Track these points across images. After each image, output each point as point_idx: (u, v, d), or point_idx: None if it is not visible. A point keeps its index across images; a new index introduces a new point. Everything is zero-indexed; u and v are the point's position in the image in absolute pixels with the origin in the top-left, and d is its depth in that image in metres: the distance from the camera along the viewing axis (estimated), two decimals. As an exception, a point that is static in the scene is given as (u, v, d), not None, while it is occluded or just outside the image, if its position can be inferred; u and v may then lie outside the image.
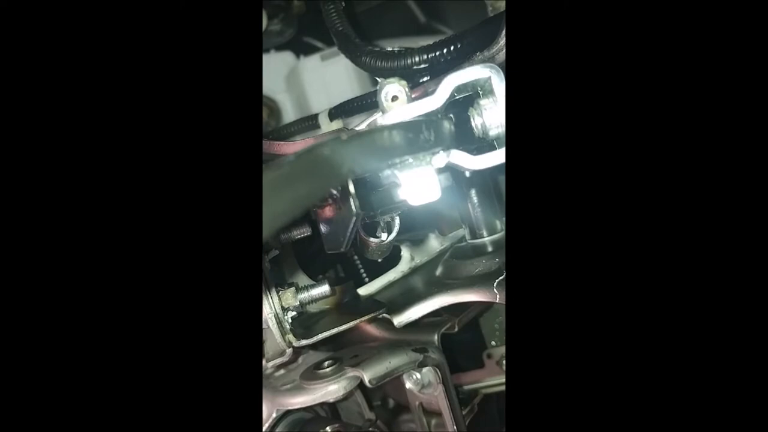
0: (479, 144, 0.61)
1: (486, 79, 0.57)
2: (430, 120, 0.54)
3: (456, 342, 0.97)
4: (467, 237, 0.98)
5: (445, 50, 0.83)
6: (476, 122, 0.58)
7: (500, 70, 0.56)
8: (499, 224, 0.96)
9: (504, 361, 1.17)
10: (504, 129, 0.57)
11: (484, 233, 0.96)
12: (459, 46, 0.84)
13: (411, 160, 0.54)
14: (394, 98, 0.56)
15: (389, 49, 0.88)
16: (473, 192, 0.96)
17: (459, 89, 0.58)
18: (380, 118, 0.55)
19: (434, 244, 0.99)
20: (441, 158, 0.55)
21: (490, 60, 0.73)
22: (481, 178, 0.95)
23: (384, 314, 0.86)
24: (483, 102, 0.58)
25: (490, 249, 0.95)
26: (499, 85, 0.56)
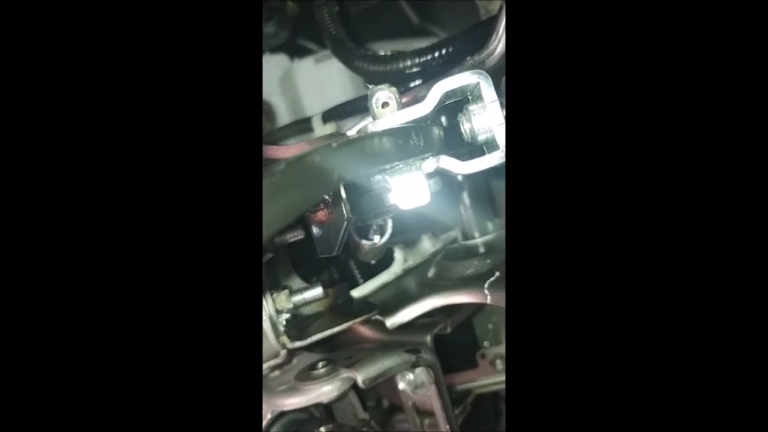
0: (469, 148, 0.62)
1: (475, 85, 0.57)
2: (419, 126, 0.55)
3: (449, 342, 0.98)
4: (459, 238, 0.99)
5: (436, 54, 0.85)
6: (465, 127, 0.59)
7: (488, 76, 0.57)
8: (491, 225, 0.97)
9: (497, 361, 1.18)
10: (492, 134, 0.58)
11: (476, 234, 0.97)
12: (450, 50, 0.85)
13: (401, 165, 0.55)
14: (385, 104, 0.57)
15: (381, 53, 0.89)
16: (465, 194, 0.97)
17: (448, 95, 0.59)
18: (371, 125, 0.56)
19: (427, 245, 1.00)
20: (430, 163, 0.56)
21: (481, 64, 0.73)
22: (473, 179, 0.96)
23: (377, 316, 0.87)
24: (471, 107, 0.59)
25: (482, 250, 0.96)
26: (487, 90, 0.57)
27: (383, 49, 1.08)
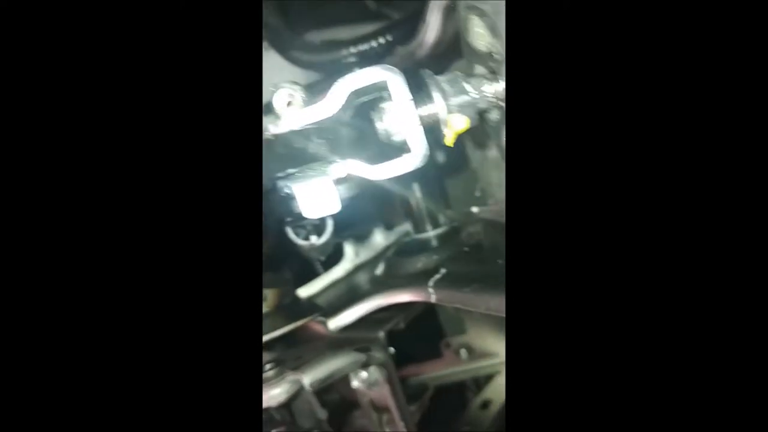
0: (397, 148, 0.58)
1: (385, 82, 0.53)
2: (323, 128, 0.52)
3: (412, 331, 0.96)
4: (412, 231, 0.96)
5: (373, 43, 0.81)
6: (379, 126, 0.55)
7: (399, 71, 0.53)
8: (442, 217, 0.94)
9: (462, 351, 1.16)
10: (407, 135, 0.54)
11: (428, 227, 0.94)
12: (390, 38, 0.81)
13: (306, 170, 0.52)
14: (289, 103, 0.53)
15: (317, 42, 0.85)
16: (416, 185, 0.94)
17: (361, 92, 0.55)
18: (272, 126, 0.53)
19: (379, 239, 0.97)
20: (339, 168, 0.52)
21: (410, 55, 0.70)
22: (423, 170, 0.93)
23: (320, 317, 0.85)
24: (385, 106, 0.55)
25: (434, 243, 0.93)
26: (397, 88, 0.53)
27: (339, 35, 1.04)
